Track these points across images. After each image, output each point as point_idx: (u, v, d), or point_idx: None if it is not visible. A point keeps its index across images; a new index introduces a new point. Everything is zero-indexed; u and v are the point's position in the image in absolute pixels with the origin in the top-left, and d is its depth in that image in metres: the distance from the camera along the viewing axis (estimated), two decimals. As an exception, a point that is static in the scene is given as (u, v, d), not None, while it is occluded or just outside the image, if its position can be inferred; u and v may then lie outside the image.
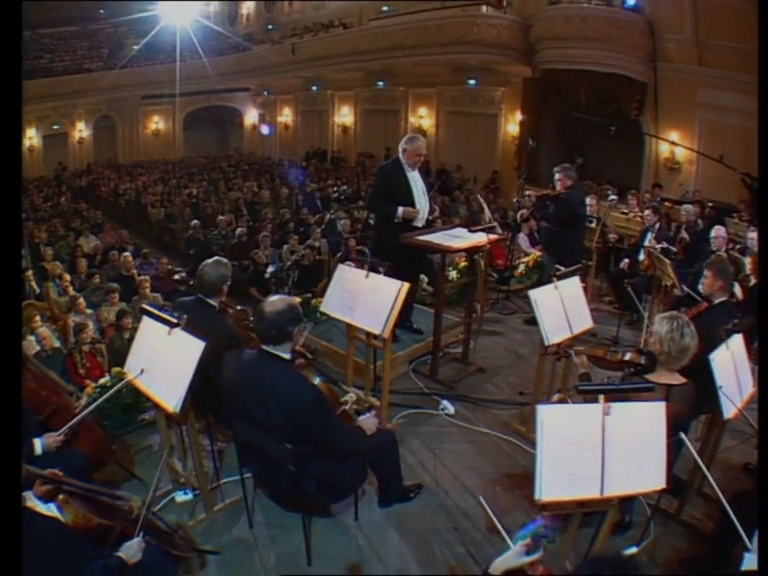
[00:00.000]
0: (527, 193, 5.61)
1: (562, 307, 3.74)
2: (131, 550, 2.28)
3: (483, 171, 15.48)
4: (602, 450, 2.29)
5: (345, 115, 19.72)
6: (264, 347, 2.77)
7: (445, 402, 4.52)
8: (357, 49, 16.46)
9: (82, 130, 21.35)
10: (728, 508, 2.15)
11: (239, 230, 11.10)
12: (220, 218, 11.78)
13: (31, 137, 20.29)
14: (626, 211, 9.05)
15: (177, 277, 5.37)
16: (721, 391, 2.76)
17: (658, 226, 6.52)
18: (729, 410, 2.81)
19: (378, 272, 3.99)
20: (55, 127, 20.83)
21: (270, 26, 21.65)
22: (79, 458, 3.07)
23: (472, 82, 15.17)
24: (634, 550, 2.95)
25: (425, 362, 5.12)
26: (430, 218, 5.11)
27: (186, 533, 3.21)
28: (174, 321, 3.01)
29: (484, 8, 13.72)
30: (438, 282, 4.89)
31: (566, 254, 5.11)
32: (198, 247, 10.96)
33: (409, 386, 4.85)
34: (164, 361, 3.12)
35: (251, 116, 23.65)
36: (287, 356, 2.79)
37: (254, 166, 20.67)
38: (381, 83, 17.60)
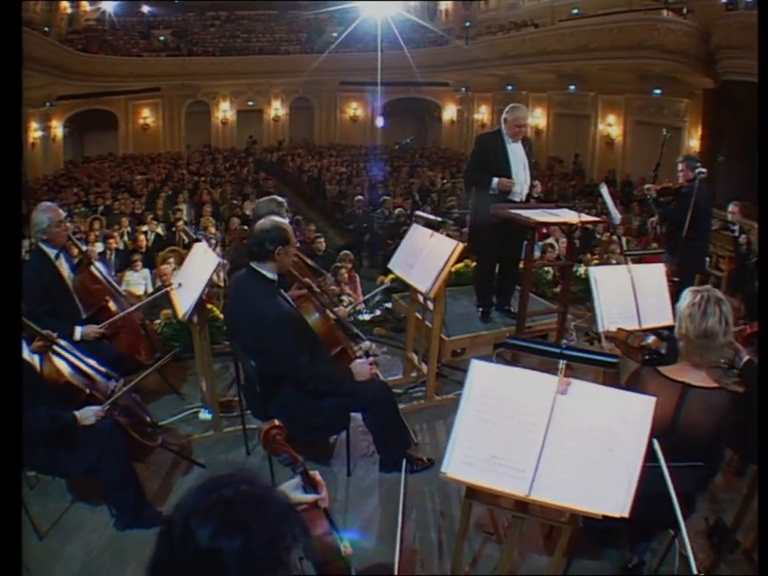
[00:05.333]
0: (646, 186, 4.77)
1: (632, 293, 3.08)
2: (87, 413, 2.49)
3: (666, 187, 14.00)
4: (543, 437, 1.78)
5: (538, 117, 19.19)
6: (251, 264, 2.80)
7: (508, 388, 4.07)
8: (545, 49, 16.12)
9: (277, 109, 23.09)
10: None
11: (398, 210, 11.35)
12: (385, 198, 12.15)
13: (225, 110, 22.55)
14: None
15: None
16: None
17: None
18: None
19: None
20: (250, 103, 22.73)
21: (467, 24, 21.70)
22: (113, 353, 3.38)
23: (657, 91, 14.30)
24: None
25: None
26: (536, 195, 4.64)
27: (189, 442, 3.41)
28: (194, 237, 3.16)
29: (665, 13, 13.04)
30: (525, 261, 4.40)
31: (686, 255, 4.26)
32: (357, 223, 11.50)
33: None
34: (191, 275, 3.32)
35: (450, 111, 23.89)
36: (271, 276, 2.79)
37: (442, 159, 20.87)
38: (572, 87, 17.12)
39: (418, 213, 4.70)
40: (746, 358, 2.35)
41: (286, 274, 3.07)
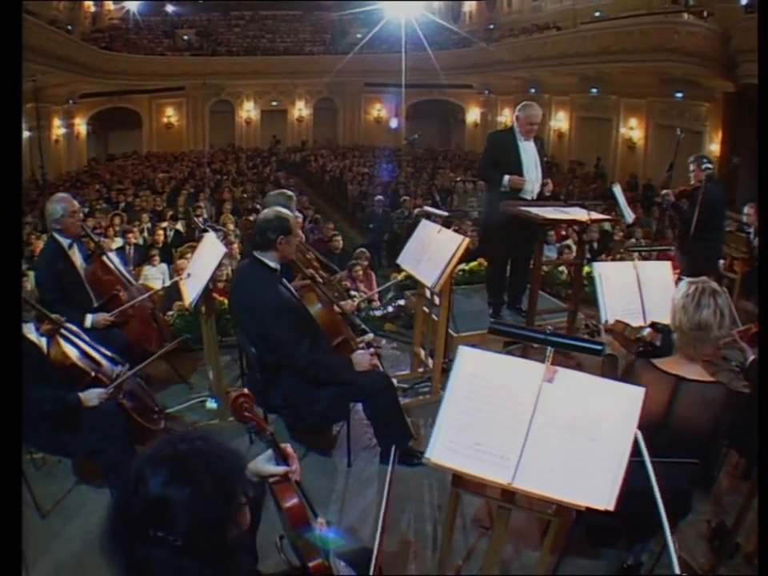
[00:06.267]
0: (664, 192, 4.69)
1: (637, 290, 3.04)
2: (91, 395, 2.55)
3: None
4: (528, 425, 1.76)
5: (560, 120, 19.23)
6: (254, 253, 2.86)
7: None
8: (567, 52, 16.17)
9: (301, 109, 23.28)
10: None
11: (417, 210, 11.36)
12: (404, 197, 12.19)
13: (249, 110, 22.71)
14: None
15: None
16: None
17: None
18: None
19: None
20: (274, 103, 22.89)
21: (491, 26, 21.83)
22: (123, 341, 3.44)
23: (679, 95, 14.24)
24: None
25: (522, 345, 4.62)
26: (547, 193, 4.63)
27: (194, 429, 3.45)
28: (202, 227, 3.23)
29: (685, 16, 13.05)
30: (534, 258, 4.38)
31: (699, 255, 4.19)
32: (377, 223, 11.53)
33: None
34: (199, 265, 3.38)
35: (473, 113, 23.83)
36: (273, 265, 2.84)
37: (465, 161, 20.80)
38: (594, 90, 17.18)
39: (426, 208, 4.72)
40: (752, 357, 2.31)
41: (290, 265, 3.12)
